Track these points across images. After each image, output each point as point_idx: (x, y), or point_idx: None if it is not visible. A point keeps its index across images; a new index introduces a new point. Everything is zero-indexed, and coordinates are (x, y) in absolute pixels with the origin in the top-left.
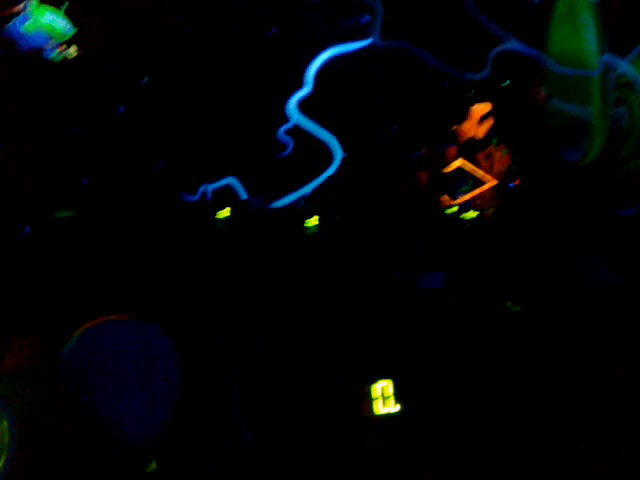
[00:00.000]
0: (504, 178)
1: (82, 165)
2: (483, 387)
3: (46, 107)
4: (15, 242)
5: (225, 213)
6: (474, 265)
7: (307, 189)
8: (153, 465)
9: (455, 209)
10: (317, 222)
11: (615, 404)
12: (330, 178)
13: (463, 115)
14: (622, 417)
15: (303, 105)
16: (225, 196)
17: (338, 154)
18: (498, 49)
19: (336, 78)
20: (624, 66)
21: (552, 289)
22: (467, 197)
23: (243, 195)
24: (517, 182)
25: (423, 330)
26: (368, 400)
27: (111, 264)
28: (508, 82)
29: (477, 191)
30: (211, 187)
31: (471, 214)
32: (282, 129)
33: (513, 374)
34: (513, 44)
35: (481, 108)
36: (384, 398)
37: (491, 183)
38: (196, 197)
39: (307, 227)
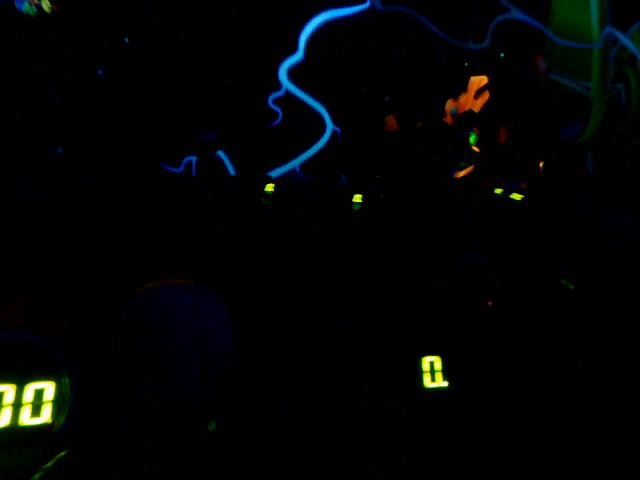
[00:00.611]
0: (501, 155)
1: (63, 131)
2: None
3: (16, 68)
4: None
5: (269, 188)
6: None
7: (298, 161)
8: (212, 425)
9: (500, 190)
10: (360, 200)
11: (616, 403)
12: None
13: (460, 87)
14: (623, 417)
15: (294, 73)
16: (212, 168)
17: (329, 125)
18: (499, 19)
19: (330, 44)
20: (624, 40)
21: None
22: (464, 172)
23: (230, 167)
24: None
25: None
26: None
27: (159, 232)
28: (502, 55)
29: (473, 166)
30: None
31: (518, 195)
32: (271, 98)
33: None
34: (515, 14)
35: (478, 80)
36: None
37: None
38: (180, 168)
39: (352, 203)
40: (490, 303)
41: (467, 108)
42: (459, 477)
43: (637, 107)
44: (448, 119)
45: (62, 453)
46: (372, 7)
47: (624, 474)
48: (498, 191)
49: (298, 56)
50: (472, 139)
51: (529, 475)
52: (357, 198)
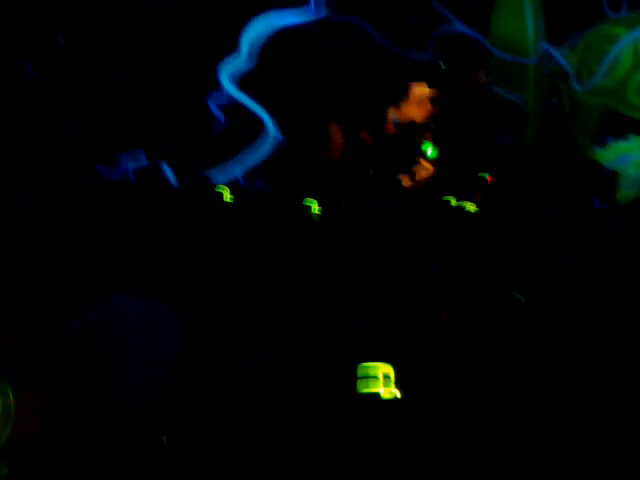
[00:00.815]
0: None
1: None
2: (481, 384)
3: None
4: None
5: (227, 196)
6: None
7: (239, 168)
8: (163, 438)
9: (454, 201)
10: (318, 208)
11: (616, 403)
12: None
13: (403, 96)
14: (623, 417)
15: (236, 77)
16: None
17: (271, 130)
18: (442, 30)
19: (274, 49)
20: (558, 55)
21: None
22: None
23: (169, 173)
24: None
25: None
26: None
27: (114, 243)
28: (443, 66)
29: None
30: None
31: (472, 206)
32: (212, 102)
33: (512, 370)
34: (457, 26)
35: (421, 90)
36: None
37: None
38: (117, 174)
39: (309, 213)
40: (444, 313)
41: (410, 117)
42: (459, 477)
43: (570, 120)
44: (390, 128)
45: (4, 471)
46: (317, 14)
47: (624, 474)
48: (453, 202)
49: (240, 60)
50: (431, 151)
51: (529, 475)
52: (314, 208)
